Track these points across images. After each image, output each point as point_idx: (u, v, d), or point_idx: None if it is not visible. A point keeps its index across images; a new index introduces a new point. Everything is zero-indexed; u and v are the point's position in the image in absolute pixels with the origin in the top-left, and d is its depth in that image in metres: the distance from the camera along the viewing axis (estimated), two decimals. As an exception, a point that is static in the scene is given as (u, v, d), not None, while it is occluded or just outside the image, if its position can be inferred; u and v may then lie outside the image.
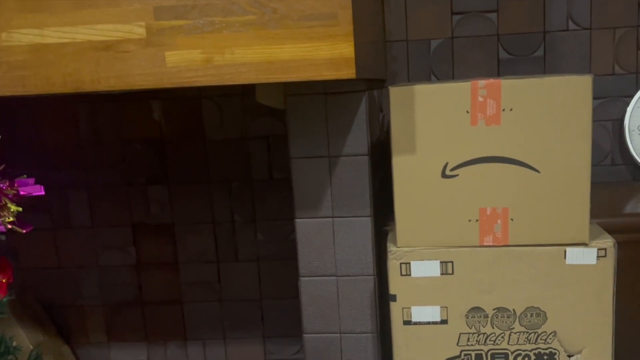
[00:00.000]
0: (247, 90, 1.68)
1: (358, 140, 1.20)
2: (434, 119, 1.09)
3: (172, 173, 1.78)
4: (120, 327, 1.89)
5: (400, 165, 1.12)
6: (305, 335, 1.30)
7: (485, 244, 1.12)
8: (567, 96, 1.05)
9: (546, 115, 1.06)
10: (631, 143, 1.62)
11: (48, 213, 1.83)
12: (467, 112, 1.08)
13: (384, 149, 1.52)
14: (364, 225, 1.24)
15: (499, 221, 1.11)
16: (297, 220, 1.25)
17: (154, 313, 1.88)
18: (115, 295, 1.87)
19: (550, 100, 1.06)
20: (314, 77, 0.92)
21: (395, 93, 1.09)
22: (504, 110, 1.07)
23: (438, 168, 1.10)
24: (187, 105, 1.74)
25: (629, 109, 1.60)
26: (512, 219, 1.11)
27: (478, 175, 1.10)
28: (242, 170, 1.76)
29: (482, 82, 1.07)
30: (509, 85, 1.06)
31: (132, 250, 1.84)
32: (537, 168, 1.09)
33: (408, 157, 1.11)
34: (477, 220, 1.12)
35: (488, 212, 1.12)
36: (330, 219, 1.24)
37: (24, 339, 1.64)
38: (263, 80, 0.92)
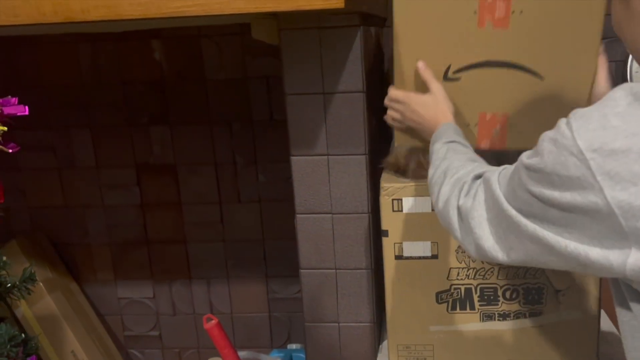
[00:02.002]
0: (246, 30, 1.66)
1: (353, 76, 1.19)
2: (439, 18, 1.04)
3: (174, 114, 1.79)
4: (126, 265, 1.94)
5: (402, 65, 1.07)
6: (301, 270, 1.33)
7: (482, 147, 1.10)
8: (579, 2, 0.99)
9: (555, 20, 1.01)
10: (635, 85, 1.59)
11: (52, 153, 1.86)
12: (475, 12, 1.02)
13: (384, 87, 1.51)
14: (359, 163, 1.25)
15: (497, 126, 1.09)
16: (293, 158, 1.25)
17: (159, 252, 1.92)
18: (121, 234, 1.92)
19: (561, 4, 1.00)
20: (302, 6, 0.91)
21: None
22: (513, 12, 1.01)
23: (440, 70, 1.06)
24: (187, 45, 1.74)
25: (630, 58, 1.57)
26: (510, 125, 1.09)
27: (481, 80, 1.06)
28: (243, 111, 1.77)
29: None
30: None
31: (137, 190, 1.87)
32: (541, 74, 1.04)
33: (410, 57, 1.06)
34: (476, 125, 1.09)
35: (487, 117, 1.09)
36: (326, 157, 1.25)
37: (33, 275, 1.70)
38: (252, 10, 0.92)
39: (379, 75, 1.49)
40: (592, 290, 1.16)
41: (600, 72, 1.03)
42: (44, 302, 1.74)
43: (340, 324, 1.34)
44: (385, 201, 1.17)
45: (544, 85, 1.06)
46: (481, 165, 0.88)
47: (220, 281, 1.93)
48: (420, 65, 1.05)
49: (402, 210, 1.17)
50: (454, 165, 0.90)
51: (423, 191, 1.15)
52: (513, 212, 0.71)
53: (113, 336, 1.99)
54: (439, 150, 0.95)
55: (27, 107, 0.91)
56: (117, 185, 1.87)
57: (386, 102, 1.09)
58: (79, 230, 1.92)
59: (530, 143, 1.10)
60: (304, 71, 1.19)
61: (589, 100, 1.05)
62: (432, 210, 1.15)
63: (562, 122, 0.66)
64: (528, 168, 0.69)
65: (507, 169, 0.76)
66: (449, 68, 1.06)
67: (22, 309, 1.69)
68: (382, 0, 1.50)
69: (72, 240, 1.93)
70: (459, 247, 1.16)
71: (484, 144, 1.11)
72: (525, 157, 0.70)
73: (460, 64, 1.06)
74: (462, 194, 0.82)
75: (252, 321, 1.95)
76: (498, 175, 0.77)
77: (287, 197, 1.80)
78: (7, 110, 0.88)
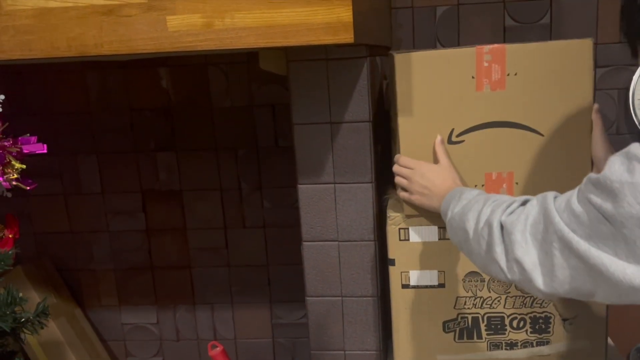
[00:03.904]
0: (253, 58, 1.69)
1: (359, 106, 1.21)
2: (439, 85, 1.10)
3: (180, 140, 1.81)
4: (130, 290, 1.94)
5: (407, 132, 1.13)
6: (308, 298, 1.33)
7: None
8: (569, 60, 1.06)
9: (549, 79, 1.07)
10: (636, 112, 1.61)
11: (59, 178, 1.87)
12: (473, 77, 1.08)
13: (387, 116, 1.53)
14: (365, 191, 1.26)
15: (504, 185, 1.13)
16: (300, 186, 1.27)
17: (164, 277, 1.92)
18: (125, 259, 1.92)
19: (553, 64, 1.06)
20: (312, 41, 0.93)
21: (400, 60, 1.10)
22: (508, 75, 1.07)
23: (444, 134, 1.11)
24: (194, 72, 1.76)
25: (634, 78, 1.59)
26: (517, 183, 1.12)
27: (484, 141, 1.11)
28: (249, 138, 1.78)
29: (487, 48, 1.07)
30: (513, 50, 1.07)
31: (142, 216, 1.88)
32: (541, 132, 1.09)
33: (415, 124, 1.12)
34: (482, 185, 1.13)
35: (494, 177, 1.13)
36: (332, 185, 1.26)
37: (37, 301, 1.69)
38: (262, 45, 0.94)
39: (385, 104, 1.51)
40: (600, 318, 1.16)
41: (596, 131, 1.06)
42: (48, 328, 1.72)
43: (346, 352, 1.34)
44: (392, 230, 1.18)
45: (545, 141, 1.10)
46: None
47: (224, 306, 1.93)
48: (438, 139, 1.10)
49: (408, 239, 1.17)
50: (494, 196, 0.90)
51: (430, 220, 1.16)
52: (565, 228, 0.69)
53: (116, 362, 1.98)
54: (468, 192, 0.95)
55: (45, 146, 0.93)
56: (123, 211, 1.88)
57: (394, 168, 1.13)
58: (84, 255, 1.92)
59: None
60: (312, 101, 1.21)
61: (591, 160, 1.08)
62: (439, 239, 1.17)
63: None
64: (593, 180, 0.67)
65: (564, 193, 0.75)
66: (452, 132, 1.11)
67: (26, 336, 1.68)
68: (386, 30, 1.53)
69: (77, 265, 1.93)
70: (466, 275, 1.17)
71: None
72: (592, 173, 0.69)
73: (463, 127, 1.11)
74: (507, 211, 0.81)
75: (256, 347, 1.94)
76: (554, 196, 0.76)
77: (291, 223, 1.81)
78: (27, 148, 0.89)
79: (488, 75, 1.08)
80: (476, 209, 0.88)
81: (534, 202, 0.78)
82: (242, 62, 1.73)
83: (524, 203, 0.82)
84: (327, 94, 1.20)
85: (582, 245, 0.67)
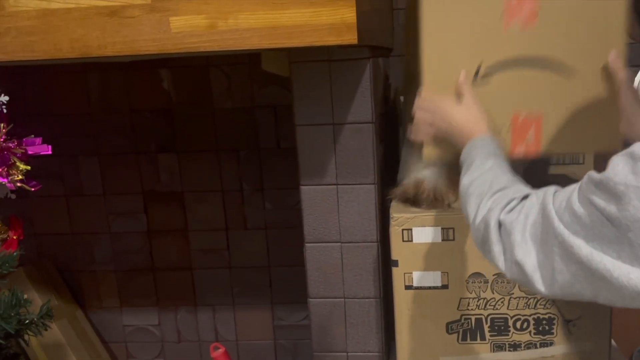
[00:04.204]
0: (254, 59, 1.68)
1: (362, 108, 1.21)
2: (466, 22, 1.04)
3: (181, 141, 1.81)
4: (132, 292, 1.94)
5: (431, 69, 1.05)
6: (310, 299, 1.32)
7: (517, 153, 1.07)
8: None
9: (580, 16, 1.02)
10: (639, 113, 1.61)
11: (60, 180, 1.86)
12: (502, 14, 1.03)
13: (391, 117, 1.53)
14: (368, 192, 1.26)
15: (532, 129, 1.07)
16: (302, 187, 1.26)
17: (165, 279, 1.92)
18: (127, 261, 1.91)
19: (584, 1, 1.01)
20: (316, 42, 0.93)
21: None
22: (539, 11, 1.02)
23: (470, 72, 1.05)
24: (195, 74, 1.76)
25: (637, 79, 1.59)
26: (545, 126, 1.06)
27: (512, 80, 1.05)
28: (250, 139, 1.78)
29: None
30: None
31: (143, 217, 1.87)
32: (571, 70, 1.04)
33: (439, 60, 1.05)
34: (508, 130, 1.07)
35: (520, 119, 1.07)
36: (335, 186, 1.26)
37: (39, 303, 1.69)
38: (266, 46, 0.93)
39: (387, 105, 1.51)
40: (603, 320, 1.16)
41: (620, 80, 1.00)
42: (49, 329, 1.73)
43: (348, 354, 1.33)
44: (395, 231, 1.17)
45: (575, 81, 1.04)
46: (530, 188, 0.83)
47: (225, 308, 1.92)
48: (462, 75, 1.03)
49: (412, 240, 1.17)
50: (501, 180, 0.86)
51: (433, 221, 1.16)
52: (565, 232, 0.67)
53: (118, 364, 1.97)
54: (482, 161, 0.90)
55: (50, 147, 0.93)
56: (124, 213, 1.87)
57: (416, 104, 1.05)
58: (85, 257, 1.92)
59: (565, 147, 1.09)
60: (314, 102, 1.20)
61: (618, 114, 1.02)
62: (442, 240, 1.17)
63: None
64: (595, 180, 0.66)
65: (564, 189, 0.73)
66: (478, 70, 1.05)
67: (28, 337, 1.68)
68: (388, 31, 1.52)
69: (78, 267, 1.93)
70: (470, 276, 1.17)
71: (519, 150, 1.07)
72: (593, 172, 0.67)
73: (490, 64, 1.05)
74: (506, 209, 0.79)
75: (258, 348, 1.94)
76: (554, 192, 0.74)
77: (293, 224, 1.81)
78: (31, 150, 0.89)
79: (517, 12, 1.03)
80: (478, 195, 0.85)
81: (534, 198, 0.77)
82: (244, 64, 1.73)
83: (524, 198, 0.79)
84: (329, 95, 1.20)
85: (584, 249, 0.65)
